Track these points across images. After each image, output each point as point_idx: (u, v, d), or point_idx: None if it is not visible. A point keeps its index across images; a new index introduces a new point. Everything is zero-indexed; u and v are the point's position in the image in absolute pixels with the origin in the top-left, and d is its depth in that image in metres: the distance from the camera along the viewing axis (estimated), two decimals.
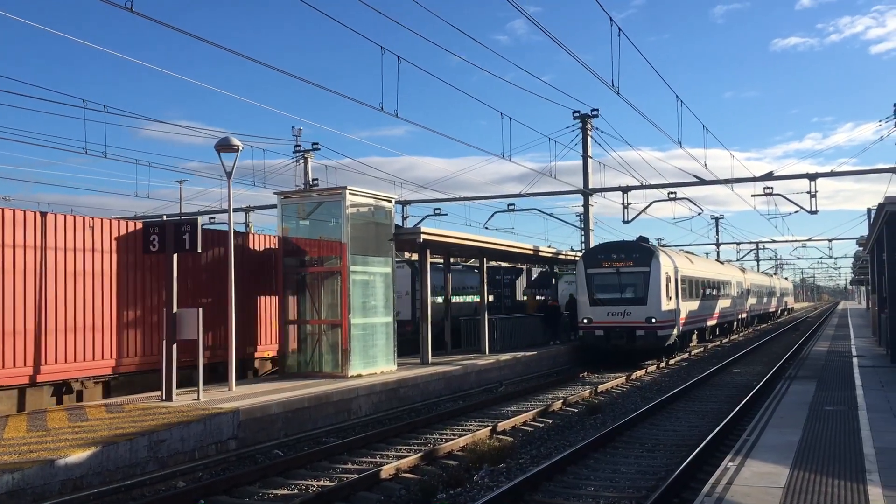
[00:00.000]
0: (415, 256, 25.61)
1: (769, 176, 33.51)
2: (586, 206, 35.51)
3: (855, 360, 22.11)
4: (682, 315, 29.81)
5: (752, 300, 52.99)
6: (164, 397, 14.69)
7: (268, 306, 19.90)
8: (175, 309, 14.90)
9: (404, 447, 13.43)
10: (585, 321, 27.48)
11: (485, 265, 25.81)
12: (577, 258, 31.52)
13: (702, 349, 34.69)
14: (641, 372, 25.41)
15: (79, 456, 10.15)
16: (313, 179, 37.19)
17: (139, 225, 16.68)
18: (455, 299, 28.80)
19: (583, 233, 36.81)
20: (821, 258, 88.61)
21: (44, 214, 14.89)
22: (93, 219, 15.80)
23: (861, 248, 42.25)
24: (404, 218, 41.53)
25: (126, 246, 16.17)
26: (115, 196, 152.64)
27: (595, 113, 34.70)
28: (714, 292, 37.68)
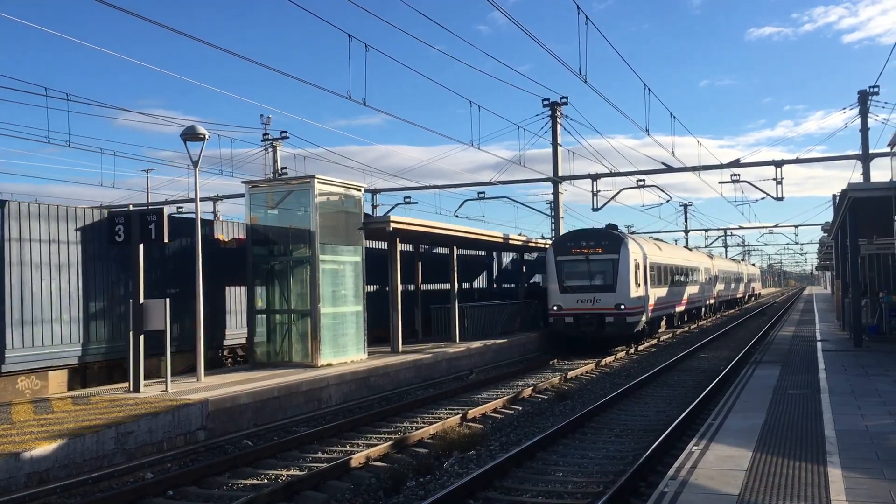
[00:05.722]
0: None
1: (736, 163, 33.83)
2: (556, 193, 35.64)
3: (819, 345, 22.47)
4: (651, 301, 30.09)
5: (719, 286, 53.59)
6: (131, 388, 14.58)
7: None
8: (142, 299, 14.77)
9: (375, 436, 13.46)
10: (555, 308, 27.62)
11: (454, 253, 25.85)
12: (546, 246, 31.65)
13: (670, 335, 35.06)
14: (611, 358, 25.65)
15: (45, 448, 10.05)
16: (282, 168, 36.88)
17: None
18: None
19: (553, 220, 36.95)
20: (787, 244, 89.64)
21: None
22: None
23: (826, 234, 42.89)
24: (374, 206, 41.36)
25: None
26: (81, 186, 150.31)
27: (564, 101, 34.73)
28: (682, 279, 38.06)
